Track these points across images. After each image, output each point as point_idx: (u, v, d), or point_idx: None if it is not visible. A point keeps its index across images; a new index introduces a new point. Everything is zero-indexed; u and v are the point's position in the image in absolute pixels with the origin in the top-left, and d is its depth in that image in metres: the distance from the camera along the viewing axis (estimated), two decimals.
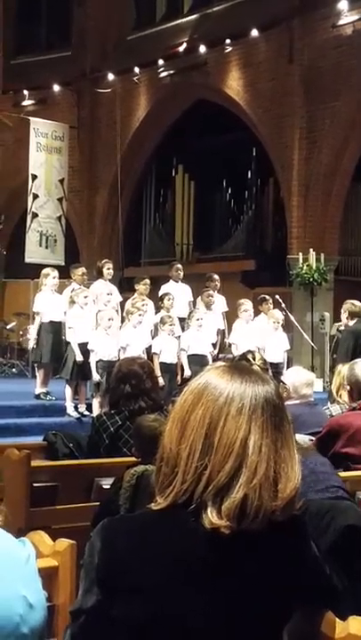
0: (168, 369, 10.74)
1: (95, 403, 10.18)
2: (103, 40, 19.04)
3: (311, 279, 14.49)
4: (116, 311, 11.27)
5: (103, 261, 12.13)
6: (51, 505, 4.54)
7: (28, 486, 4.48)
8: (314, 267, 14.48)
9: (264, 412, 1.69)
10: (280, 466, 1.67)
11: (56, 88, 18.94)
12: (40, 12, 20.59)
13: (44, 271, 11.43)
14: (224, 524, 1.62)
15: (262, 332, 11.68)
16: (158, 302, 11.68)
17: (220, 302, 12.45)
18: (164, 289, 12.22)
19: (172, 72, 17.12)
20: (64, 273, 12.19)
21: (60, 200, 17.64)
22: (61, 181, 17.71)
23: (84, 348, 10.35)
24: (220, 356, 11.57)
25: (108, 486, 4.22)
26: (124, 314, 11.10)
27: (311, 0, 14.90)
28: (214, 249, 17.42)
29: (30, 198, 17.26)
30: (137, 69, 17.71)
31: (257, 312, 12.09)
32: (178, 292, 12.19)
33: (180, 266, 13.06)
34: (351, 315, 10.07)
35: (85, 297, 10.78)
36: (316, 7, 14.77)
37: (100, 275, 11.93)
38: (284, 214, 15.68)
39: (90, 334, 10.41)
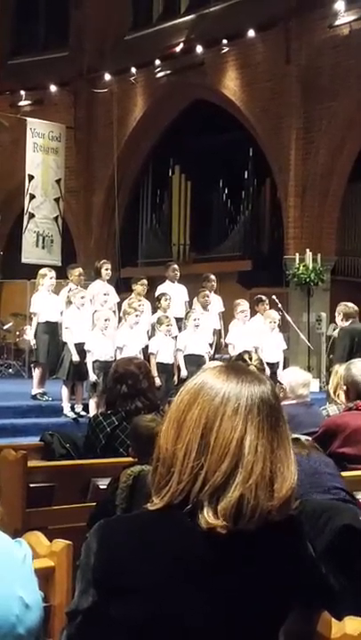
0: (165, 369, 10.74)
1: (92, 403, 10.17)
2: (100, 40, 19.03)
3: (308, 279, 14.51)
4: (114, 312, 11.27)
5: (102, 262, 12.13)
6: (47, 505, 4.54)
7: (25, 487, 4.48)
8: (310, 267, 14.50)
9: (260, 412, 1.69)
10: (276, 466, 1.67)
11: (53, 88, 18.92)
12: (37, 12, 20.57)
13: (41, 271, 11.43)
14: (220, 524, 1.62)
15: (259, 332, 11.68)
16: (155, 302, 11.68)
17: (216, 302, 12.46)
18: (160, 289, 12.23)
19: (168, 72, 17.12)
20: (61, 273, 12.19)
21: (56, 200, 17.63)
22: (58, 182, 17.71)
23: (80, 349, 10.35)
24: (217, 356, 11.57)
25: (105, 487, 4.22)
26: (121, 314, 11.10)
27: (308, 0, 14.90)
28: (211, 249, 17.42)
29: (27, 199, 17.25)
30: (134, 69, 17.71)
31: (253, 312, 12.10)
32: (174, 292, 12.19)
33: (176, 266, 13.06)
34: (346, 316, 10.10)
35: (82, 297, 10.78)
36: (313, 7, 14.77)
37: (98, 275, 11.92)
38: (281, 214, 15.68)
39: (86, 335, 10.41)
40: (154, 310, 11.63)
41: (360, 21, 14.14)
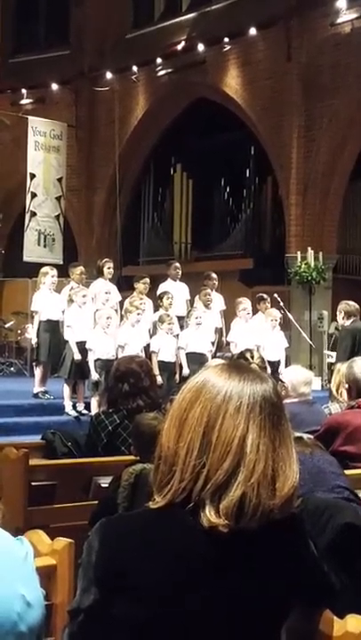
0: (166, 367, 10.74)
1: (94, 401, 10.18)
2: (101, 38, 19.02)
3: (309, 277, 14.50)
4: (115, 310, 11.26)
5: (104, 260, 12.11)
6: (49, 504, 4.54)
7: (27, 485, 4.48)
8: (312, 265, 14.50)
9: (262, 410, 1.69)
10: (278, 464, 1.67)
11: (54, 87, 18.91)
12: (38, 11, 20.57)
13: (43, 270, 11.43)
14: (222, 523, 1.62)
15: (260, 330, 11.68)
16: (157, 301, 11.68)
17: (217, 301, 12.45)
18: (162, 288, 12.22)
19: (170, 70, 17.11)
20: (62, 272, 12.18)
21: (58, 199, 17.62)
22: (60, 180, 17.70)
23: (82, 347, 10.35)
24: (219, 354, 11.57)
25: (107, 485, 4.21)
26: (123, 312, 11.10)
27: None
28: (213, 247, 17.41)
29: (28, 197, 17.24)
30: (135, 68, 17.70)
31: (255, 311, 12.09)
32: (176, 290, 12.18)
33: (178, 264, 13.06)
34: (347, 314, 10.08)
35: (84, 296, 10.78)
36: (315, 5, 14.76)
37: (100, 274, 11.91)
38: (283, 213, 15.68)
39: (88, 333, 10.41)
40: (155, 309, 11.63)
41: None
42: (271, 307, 12.13)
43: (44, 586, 1.89)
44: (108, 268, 11.87)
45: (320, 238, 15.25)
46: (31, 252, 16.98)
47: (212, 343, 11.68)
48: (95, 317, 10.61)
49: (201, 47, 16.39)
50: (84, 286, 11.31)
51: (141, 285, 11.76)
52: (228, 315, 12.37)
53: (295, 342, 14.07)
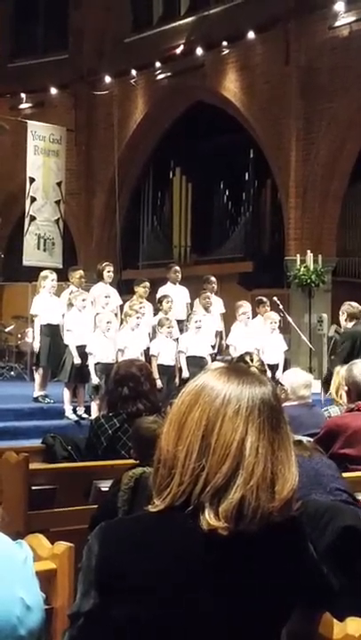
0: (166, 371, 10.74)
1: (94, 405, 10.18)
2: (100, 42, 19.05)
3: (309, 280, 14.51)
4: (115, 314, 11.26)
5: (104, 264, 12.11)
6: (49, 508, 4.53)
7: (27, 489, 4.48)
8: (311, 268, 14.51)
9: (261, 413, 1.69)
10: (277, 467, 1.67)
11: (53, 91, 18.94)
12: (37, 15, 20.60)
13: (43, 274, 11.43)
14: (222, 526, 1.62)
15: (260, 333, 11.68)
16: (157, 304, 11.68)
17: (217, 304, 12.46)
18: (161, 291, 12.23)
19: (169, 74, 17.14)
20: (62, 276, 12.18)
21: (57, 203, 17.64)
22: (59, 184, 17.71)
23: (82, 351, 10.36)
24: (218, 357, 11.57)
25: (107, 489, 4.21)
26: (122, 316, 11.11)
27: (308, 2, 14.92)
28: (212, 251, 17.43)
29: (28, 201, 17.26)
30: (134, 72, 17.73)
31: (254, 314, 12.10)
32: (176, 294, 12.19)
33: (178, 268, 13.05)
34: (350, 316, 9.99)
35: (83, 300, 10.78)
36: (313, 9, 14.79)
37: (100, 277, 11.91)
38: (282, 216, 15.70)
39: (88, 337, 10.41)
40: (155, 312, 11.63)
41: (360, 22, 14.15)
42: (271, 310, 12.12)
43: (45, 590, 1.89)
44: (109, 271, 11.88)
45: (319, 241, 15.26)
46: (31, 255, 16.99)
47: (213, 346, 11.68)
48: (95, 321, 10.61)
49: (200, 51, 16.42)
50: (83, 290, 11.32)
51: (141, 289, 11.76)
52: (228, 318, 12.37)
53: (295, 345, 14.07)
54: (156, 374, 9.55)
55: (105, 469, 4.67)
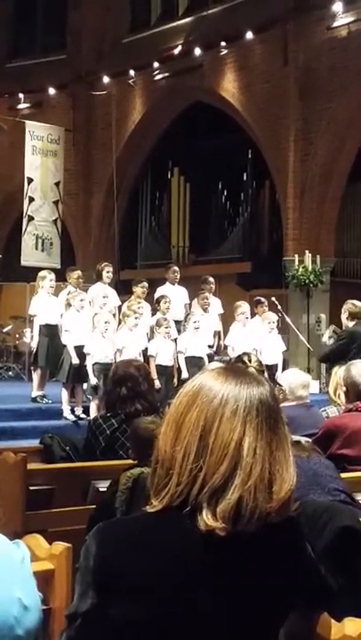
0: (164, 371, 10.74)
1: (93, 405, 10.18)
2: (98, 43, 19.05)
3: (307, 281, 14.52)
4: (113, 314, 11.26)
5: (103, 264, 12.10)
6: (47, 508, 4.53)
7: (25, 489, 4.48)
8: (310, 268, 14.51)
9: (259, 413, 1.69)
10: (275, 467, 1.67)
11: (51, 91, 18.93)
12: (35, 15, 20.59)
13: (41, 274, 11.42)
14: (219, 526, 1.62)
15: (258, 334, 11.68)
16: (155, 305, 11.68)
17: (215, 305, 12.46)
18: (160, 291, 12.23)
19: (167, 74, 17.13)
20: (60, 276, 12.18)
21: (55, 203, 17.64)
22: (57, 184, 17.71)
23: (80, 351, 10.36)
24: (216, 357, 11.56)
25: (105, 489, 4.21)
26: (121, 316, 11.10)
27: (306, 2, 14.92)
28: (210, 251, 17.43)
29: (26, 201, 17.26)
30: (132, 72, 17.72)
31: (253, 314, 12.10)
32: (174, 294, 12.19)
33: (176, 268, 13.05)
34: (351, 315, 9.90)
35: (81, 300, 10.78)
36: (311, 9, 14.79)
37: (99, 278, 11.91)
38: (280, 216, 15.69)
39: (86, 337, 10.41)
40: (153, 312, 11.63)
41: (358, 23, 14.16)
42: (269, 310, 12.12)
43: (42, 590, 1.89)
44: (108, 272, 11.88)
45: (317, 242, 15.26)
46: (29, 256, 16.99)
47: (210, 346, 11.68)
48: (93, 321, 10.61)
49: (198, 51, 16.41)
50: (81, 290, 11.32)
51: (139, 289, 11.77)
52: (227, 318, 12.38)
53: (293, 346, 14.07)
54: (154, 374, 9.56)
55: (103, 470, 4.67)
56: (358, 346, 9.54)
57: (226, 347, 11.93)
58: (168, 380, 10.81)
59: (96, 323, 10.49)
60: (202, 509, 1.63)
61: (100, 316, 10.60)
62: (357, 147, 15.16)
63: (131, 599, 1.63)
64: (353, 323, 9.81)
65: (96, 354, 10.20)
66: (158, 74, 17.25)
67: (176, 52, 16.90)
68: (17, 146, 18.01)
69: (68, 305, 10.76)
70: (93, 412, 9.81)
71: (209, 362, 9.96)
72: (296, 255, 14.72)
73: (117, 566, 1.65)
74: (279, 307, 12.80)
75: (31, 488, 4.53)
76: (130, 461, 4.15)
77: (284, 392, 5.68)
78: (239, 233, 16.96)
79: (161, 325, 10.93)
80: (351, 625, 1.86)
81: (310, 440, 4.82)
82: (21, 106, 19.13)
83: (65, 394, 10.56)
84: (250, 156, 16.69)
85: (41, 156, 17.53)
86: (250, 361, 5.19)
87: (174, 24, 17.76)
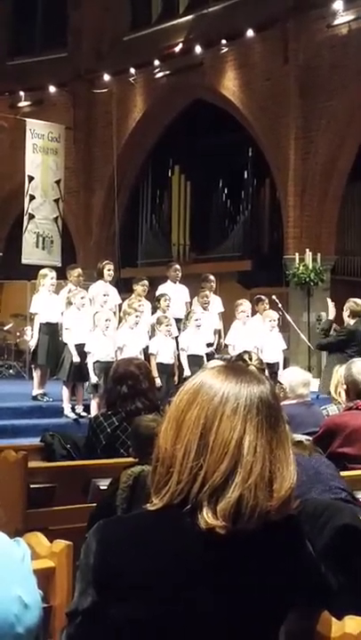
0: (165, 370, 10.74)
1: (94, 404, 10.18)
2: (99, 41, 19.04)
3: (308, 279, 14.51)
4: (114, 312, 11.26)
5: (104, 262, 12.08)
6: (48, 506, 4.54)
7: (25, 487, 4.49)
8: (310, 267, 14.50)
9: (259, 411, 1.69)
10: (275, 466, 1.67)
11: (52, 89, 18.92)
12: (35, 13, 20.57)
13: (42, 272, 11.42)
14: (220, 525, 1.62)
15: (259, 332, 11.68)
16: (155, 303, 11.68)
17: (216, 303, 12.45)
18: (161, 289, 12.22)
19: (167, 72, 17.12)
20: (61, 274, 12.18)
21: (56, 201, 17.63)
22: (58, 182, 17.70)
23: (80, 349, 10.36)
24: (217, 356, 11.55)
25: (105, 487, 4.21)
26: (121, 314, 11.10)
27: (306, 0, 14.91)
28: (211, 249, 17.42)
29: (27, 199, 17.25)
30: (133, 70, 17.72)
31: (253, 312, 12.10)
32: (175, 292, 12.19)
33: (178, 266, 13.04)
34: (353, 314, 9.96)
35: (82, 298, 10.78)
36: (312, 7, 14.78)
37: (100, 276, 11.88)
38: (281, 214, 15.68)
39: (87, 335, 10.41)
40: (154, 310, 11.63)
41: (359, 21, 14.15)
42: (270, 308, 12.12)
43: (43, 588, 1.89)
44: (109, 270, 11.86)
45: (318, 240, 15.25)
46: (30, 254, 16.98)
47: (210, 345, 11.67)
48: (94, 320, 10.61)
49: (198, 49, 16.40)
50: (82, 288, 11.31)
51: (140, 287, 11.76)
52: (227, 317, 12.37)
53: (294, 344, 14.07)
54: (155, 372, 9.55)
55: (104, 468, 4.67)
56: (359, 344, 9.58)
57: (226, 345, 11.93)
58: (169, 377, 10.81)
59: (97, 321, 10.49)
60: (202, 508, 1.63)
61: (101, 314, 10.59)
62: (358, 144, 15.15)
63: (131, 597, 1.63)
64: (354, 321, 9.90)
65: (97, 352, 10.20)
66: (159, 72, 17.24)
67: (177, 49, 16.88)
68: (17, 144, 18.00)
69: (69, 303, 10.75)
70: (94, 410, 9.81)
71: (208, 360, 9.97)
72: (297, 253, 14.72)
73: (117, 565, 1.65)
74: (280, 305, 12.80)
75: (32, 486, 4.54)
76: (130, 459, 4.15)
77: (285, 390, 5.69)
78: (240, 231, 16.95)
79: (162, 323, 10.92)
80: (352, 623, 1.86)
81: (311, 439, 4.83)
82: (22, 104, 19.12)
83: (66, 392, 10.56)
84: (250, 154, 16.68)
85: (42, 154, 17.52)
86: (250, 359, 5.17)
87: (175, 22, 17.74)
